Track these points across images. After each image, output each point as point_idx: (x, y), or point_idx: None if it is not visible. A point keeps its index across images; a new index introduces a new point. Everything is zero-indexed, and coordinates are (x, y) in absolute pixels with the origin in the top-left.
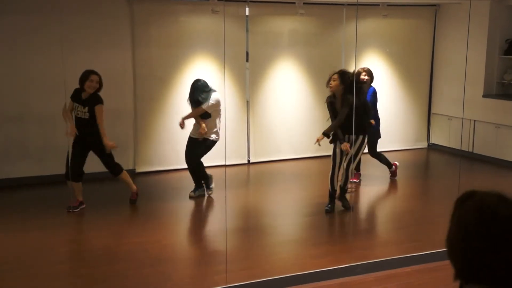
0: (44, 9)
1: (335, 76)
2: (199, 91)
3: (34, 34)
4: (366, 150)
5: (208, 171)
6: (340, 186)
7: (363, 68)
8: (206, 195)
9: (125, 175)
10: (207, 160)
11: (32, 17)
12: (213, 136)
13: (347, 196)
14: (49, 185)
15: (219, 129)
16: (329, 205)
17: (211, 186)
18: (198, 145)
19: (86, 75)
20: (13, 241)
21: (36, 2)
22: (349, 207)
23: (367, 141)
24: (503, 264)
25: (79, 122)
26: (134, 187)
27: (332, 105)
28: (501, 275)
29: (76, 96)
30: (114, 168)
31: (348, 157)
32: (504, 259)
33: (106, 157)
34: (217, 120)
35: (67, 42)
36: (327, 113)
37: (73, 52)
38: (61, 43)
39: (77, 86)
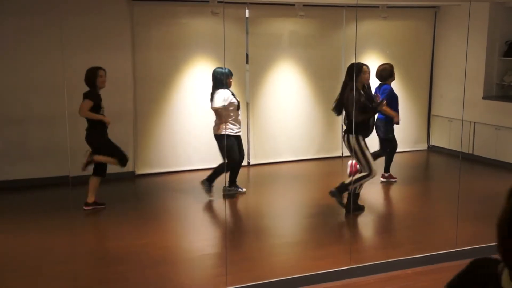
0: (44, 10)
1: (366, 68)
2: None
3: (35, 35)
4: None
5: (207, 172)
6: (349, 192)
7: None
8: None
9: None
10: (208, 161)
11: (33, 18)
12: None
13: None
14: (49, 187)
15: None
16: (335, 189)
17: None
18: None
19: (95, 72)
20: (14, 242)
21: (36, 4)
22: (363, 208)
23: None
24: None
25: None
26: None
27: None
28: None
29: (98, 97)
30: (124, 160)
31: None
32: None
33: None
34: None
35: (68, 44)
36: (327, 115)
37: (74, 54)
38: (61, 45)
39: (78, 87)
